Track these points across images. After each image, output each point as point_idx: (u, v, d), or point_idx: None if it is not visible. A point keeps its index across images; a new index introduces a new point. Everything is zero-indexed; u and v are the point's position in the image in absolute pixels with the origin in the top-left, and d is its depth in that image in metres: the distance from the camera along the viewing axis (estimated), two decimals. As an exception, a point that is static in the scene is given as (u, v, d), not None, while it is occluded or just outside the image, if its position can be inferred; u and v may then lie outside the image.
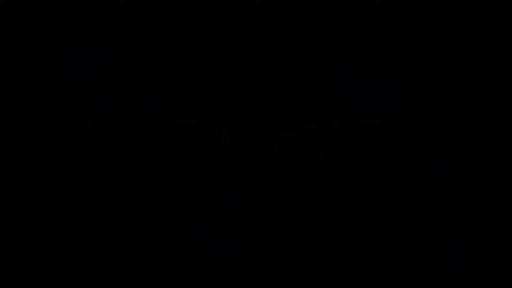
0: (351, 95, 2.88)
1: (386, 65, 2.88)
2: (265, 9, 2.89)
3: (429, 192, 2.84)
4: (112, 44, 2.89)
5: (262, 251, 2.86)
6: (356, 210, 2.86)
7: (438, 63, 2.88)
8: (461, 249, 2.82)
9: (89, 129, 2.87)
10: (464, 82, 2.87)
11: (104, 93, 2.88)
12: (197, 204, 2.87)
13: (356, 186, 2.86)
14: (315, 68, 2.89)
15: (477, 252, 2.82)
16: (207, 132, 2.88)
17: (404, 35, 2.89)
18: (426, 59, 2.88)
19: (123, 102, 2.89)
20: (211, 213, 2.87)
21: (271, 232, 2.87)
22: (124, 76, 2.89)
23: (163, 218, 2.87)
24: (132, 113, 2.88)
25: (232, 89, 2.89)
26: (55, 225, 2.85)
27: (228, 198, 2.87)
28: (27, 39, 2.88)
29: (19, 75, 2.88)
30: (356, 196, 2.86)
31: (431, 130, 2.86)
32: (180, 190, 2.87)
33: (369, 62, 2.88)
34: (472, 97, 2.87)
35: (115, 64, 2.89)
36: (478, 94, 2.87)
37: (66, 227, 2.85)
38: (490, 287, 2.80)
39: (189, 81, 2.90)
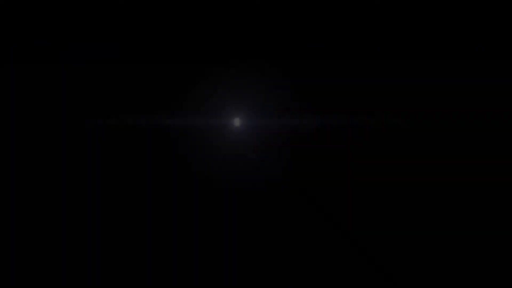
0: (351, 94, 2.88)
1: (384, 64, 2.89)
2: (265, 9, 2.89)
3: (429, 192, 2.85)
4: (112, 44, 2.89)
5: (261, 251, 2.86)
6: (356, 210, 2.87)
7: (438, 63, 2.89)
8: (461, 249, 2.83)
9: (89, 129, 2.87)
10: (464, 82, 2.87)
11: (104, 93, 2.89)
12: (196, 202, 2.88)
13: (356, 186, 2.87)
14: (315, 68, 2.89)
15: (477, 252, 2.82)
16: (207, 132, 2.88)
17: (404, 35, 2.89)
18: (425, 59, 2.89)
19: (123, 102, 2.89)
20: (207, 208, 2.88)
21: (270, 232, 2.87)
22: (124, 76, 2.89)
23: (163, 218, 2.87)
24: (132, 113, 2.89)
25: (232, 89, 2.90)
26: (56, 225, 2.85)
27: (228, 198, 2.88)
28: (27, 39, 2.88)
29: (19, 75, 2.88)
30: (356, 196, 2.87)
31: (431, 131, 2.87)
32: (179, 189, 2.88)
33: (369, 61, 2.89)
34: (472, 97, 2.87)
35: (115, 64, 2.89)
36: (477, 94, 2.87)
37: (66, 226, 2.86)
38: (490, 287, 2.80)
39: (189, 81, 2.91)
